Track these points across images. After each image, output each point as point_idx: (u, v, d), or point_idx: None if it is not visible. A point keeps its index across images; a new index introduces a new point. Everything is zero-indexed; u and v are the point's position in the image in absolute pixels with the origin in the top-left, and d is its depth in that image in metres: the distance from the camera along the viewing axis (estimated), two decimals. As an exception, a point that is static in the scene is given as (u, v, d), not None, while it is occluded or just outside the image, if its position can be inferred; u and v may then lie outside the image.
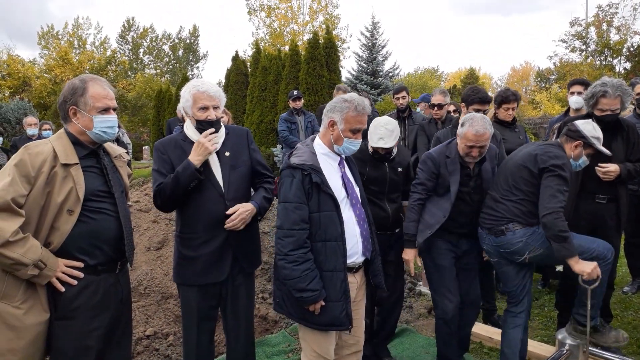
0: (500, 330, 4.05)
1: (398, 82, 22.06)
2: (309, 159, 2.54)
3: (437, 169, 3.28)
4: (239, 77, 15.96)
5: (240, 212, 2.66)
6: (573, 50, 25.56)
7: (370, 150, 3.45)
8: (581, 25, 24.84)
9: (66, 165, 2.20)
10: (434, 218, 3.27)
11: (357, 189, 2.74)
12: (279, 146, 10.01)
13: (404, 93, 6.08)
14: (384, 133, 3.30)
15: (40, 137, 7.48)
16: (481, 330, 4.07)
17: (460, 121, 3.21)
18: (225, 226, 2.66)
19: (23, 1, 64.41)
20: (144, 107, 30.06)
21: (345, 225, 2.56)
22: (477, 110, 4.07)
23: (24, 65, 34.22)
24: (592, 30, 24.47)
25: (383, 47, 21.79)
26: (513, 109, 4.39)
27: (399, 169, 3.55)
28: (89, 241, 2.24)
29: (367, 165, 3.43)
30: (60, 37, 38.99)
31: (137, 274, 4.12)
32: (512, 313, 3.30)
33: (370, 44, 21.76)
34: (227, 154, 2.78)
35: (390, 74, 22.11)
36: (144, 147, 18.41)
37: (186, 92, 2.73)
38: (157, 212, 4.93)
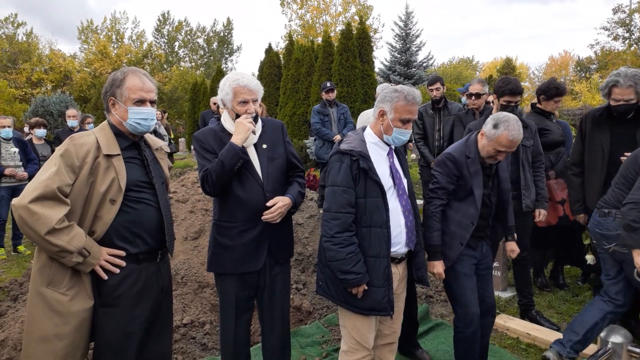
0: (538, 327, 3.98)
1: (432, 72, 21.72)
2: (358, 146, 2.58)
3: (459, 171, 3.01)
4: (272, 69, 16.04)
5: (279, 205, 2.68)
6: (616, 38, 24.61)
7: None
8: (625, 12, 23.84)
9: (108, 156, 2.25)
10: (461, 227, 3.02)
11: (404, 181, 2.74)
12: (311, 138, 10.03)
13: (438, 84, 6.00)
14: None
15: (81, 129, 7.71)
16: (518, 325, 3.99)
17: (492, 121, 2.97)
18: (262, 218, 2.69)
19: (63, -3, 66.50)
20: (180, 99, 30.61)
21: (391, 214, 2.58)
22: (509, 102, 4.00)
23: (65, 59, 35.36)
24: (637, 17, 23.47)
25: (417, 37, 21.46)
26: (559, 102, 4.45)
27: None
28: (130, 230, 2.29)
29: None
30: (99, 31, 40.05)
31: (174, 263, 4.21)
32: (603, 297, 3.34)
33: (403, 34, 21.46)
34: (264, 146, 2.79)
35: (424, 64, 21.79)
36: (180, 139, 18.75)
37: (226, 85, 2.73)
38: (194, 203, 5.02)
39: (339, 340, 3.82)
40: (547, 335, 3.80)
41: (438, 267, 2.99)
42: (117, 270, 2.26)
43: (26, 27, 37.83)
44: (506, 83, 4.02)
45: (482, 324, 3.16)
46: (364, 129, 2.75)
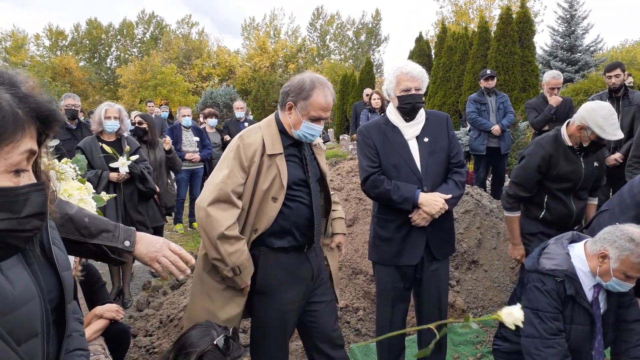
0: None
1: (599, 57, 19.41)
2: (563, 262, 2.39)
3: None
4: (421, 58, 15.78)
5: (426, 210, 2.63)
6: None
7: (569, 142, 3.08)
8: None
9: (271, 155, 2.30)
10: None
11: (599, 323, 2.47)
12: (463, 129, 9.64)
13: (617, 71, 5.32)
14: (615, 123, 2.90)
15: (246, 119, 8.41)
16: None
17: None
18: (412, 221, 2.68)
19: (228, -2, 73.34)
20: (330, 91, 31.67)
21: None
22: None
23: (230, 55, 38.82)
24: None
25: (584, 18, 19.34)
26: None
27: (595, 163, 3.15)
28: (283, 227, 2.33)
29: (559, 158, 3.09)
30: (259, 28, 43.14)
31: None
32: None
33: (568, 16, 19.49)
34: (425, 139, 2.74)
35: (592, 49, 19.54)
36: (329, 130, 19.42)
37: (390, 74, 2.77)
38: (348, 192, 5.17)
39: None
40: None
41: None
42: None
43: (198, 26, 42.46)
44: None
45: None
46: (572, 239, 2.49)
